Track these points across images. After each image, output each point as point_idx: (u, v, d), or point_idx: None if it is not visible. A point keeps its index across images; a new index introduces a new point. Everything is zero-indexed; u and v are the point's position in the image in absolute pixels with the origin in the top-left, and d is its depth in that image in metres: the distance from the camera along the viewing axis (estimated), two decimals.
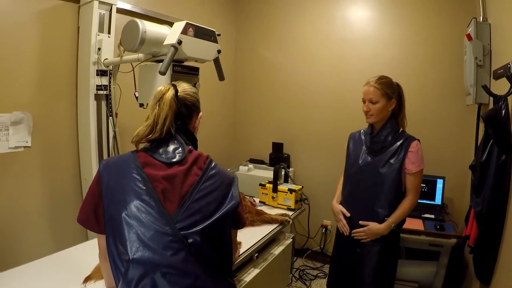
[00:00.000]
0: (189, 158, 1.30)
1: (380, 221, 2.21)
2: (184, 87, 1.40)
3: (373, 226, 2.20)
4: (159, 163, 1.26)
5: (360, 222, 2.26)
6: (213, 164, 1.33)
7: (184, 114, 1.38)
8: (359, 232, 2.25)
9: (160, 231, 1.16)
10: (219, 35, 2.18)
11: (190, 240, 1.18)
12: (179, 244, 1.16)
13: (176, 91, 1.35)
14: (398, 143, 2.20)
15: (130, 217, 1.16)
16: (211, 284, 1.24)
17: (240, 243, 1.98)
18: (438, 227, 2.93)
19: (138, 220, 1.16)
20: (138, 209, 1.17)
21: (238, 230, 1.48)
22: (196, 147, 1.43)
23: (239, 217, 1.36)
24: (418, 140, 2.22)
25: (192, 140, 1.42)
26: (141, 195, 1.18)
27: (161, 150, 1.29)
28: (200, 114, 1.48)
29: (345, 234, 2.33)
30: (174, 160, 1.27)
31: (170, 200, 1.21)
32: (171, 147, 1.30)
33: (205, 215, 1.22)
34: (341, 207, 2.39)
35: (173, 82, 1.41)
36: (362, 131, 2.44)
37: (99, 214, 1.23)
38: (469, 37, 2.68)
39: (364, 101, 2.24)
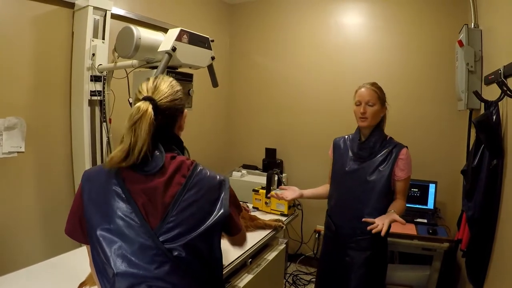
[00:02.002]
0: (170, 166, 1.21)
1: (369, 228, 2.03)
2: (163, 92, 1.25)
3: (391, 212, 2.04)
4: (139, 175, 1.19)
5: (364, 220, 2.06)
6: (198, 170, 1.24)
7: (166, 123, 1.27)
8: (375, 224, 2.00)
9: (143, 244, 1.12)
10: (212, 41, 2.19)
11: (175, 253, 1.13)
12: (163, 257, 1.13)
13: (155, 105, 1.20)
14: (387, 150, 2.20)
15: (112, 231, 1.13)
16: None
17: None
18: (430, 231, 2.95)
19: (121, 234, 1.13)
20: (120, 223, 1.13)
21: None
22: (182, 150, 1.34)
23: (232, 223, 1.30)
24: (407, 147, 2.22)
25: (176, 144, 1.32)
26: (122, 209, 1.14)
27: (140, 162, 1.18)
28: (185, 112, 1.37)
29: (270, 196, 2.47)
30: (154, 170, 1.19)
31: (152, 212, 1.16)
32: (151, 157, 1.20)
33: (190, 227, 1.16)
34: (297, 191, 2.49)
35: (148, 95, 1.23)
36: (346, 137, 2.42)
37: (84, 225, 1.19)
38: (460, 43, 2.71)
39: (359, 103, 2.20)
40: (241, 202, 2.56)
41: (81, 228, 1.21)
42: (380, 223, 1.93)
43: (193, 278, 1.18)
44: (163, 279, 1.12)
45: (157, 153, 1.22)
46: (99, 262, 1.15)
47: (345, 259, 2.28)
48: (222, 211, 1.21)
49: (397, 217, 1.98)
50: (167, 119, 1.27)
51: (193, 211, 1.17)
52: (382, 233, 1.89)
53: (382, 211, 2.15)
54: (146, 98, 1.21)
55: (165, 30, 2.15)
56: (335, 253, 2.34)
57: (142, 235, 1.13)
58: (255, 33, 4.47)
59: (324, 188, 2.53)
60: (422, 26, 3.54)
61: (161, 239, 1.13)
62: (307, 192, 2.52)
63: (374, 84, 2.22)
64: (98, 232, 1.14)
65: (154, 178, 1.19)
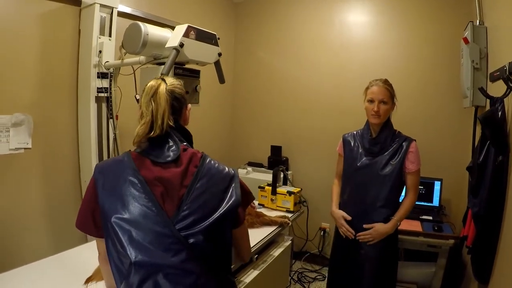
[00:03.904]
0: (184, 157, 1.26)
1: (384, 220, 2.24)
2: (170, 80, 1.35)
3: (379, 226, 2.23)
4: (155, 164, 1.23)
5: (365, 225, 2.27)
6: (207, 160, 1.29)
7: (176, 108, 1.34)
8: (365, 235, 2.26)
9: (160, 233, 1.14)
10: (218, 38, 2.20)
11: (190, 241, 1.16)
12: (179, 245, 1.15)
13: (167, 84, 1.31)
14: (397, 144, 2.24)
15: (129, 221, 1.14)
16: (212, 282, 1.24)
17: None
18: (436, 228, 2.95)
19: (137, 224, 1.14)
20: (137, 212, 1.15)
21: None
22: (191, 143, 1.39)
23: (237, 216, 1.32)
24: (415, 141, 2.27)
25: (186, 136, 1.37)
26: (139, 198, 1.16)
27: (155, 151, 1.25)
28: (189, 106, 1.43)
29: (350, 237, 2.32)
30: (169, 159, 1.23)
31: (169, 202, 1.19)
32: (165, 146, 1.26)
33: (204, 214, 1.19)
34: (341, 212, 2.39)
35: (160, 77, 1.36)
36: (355, 132, 2.45)
37: (97, 218, 1.20)
38: (466, 40, 2.71)
39: (372, 101, 2.23)
40: None
41: (93, 220, 1.21)
42: (371, 237, 2.25)
43: (207, 264, 1.21)
44: (178, 267, 1.14)
45: (171, 142, 1.27)
46: (114, 252, 1.16)
47: (359, 252, 2.32)
48: (234, 198, 1.26)
49: (386, 233, 2.24)
50: (176, 104, 1.34)
51: (206, 199, 1.21)
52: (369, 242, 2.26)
53: (394, 203, 2.26)
54: (158, 79, 1.33)
55: (171, 28, 2.16)
56: (348, 246, 2.37)
57: (158, 223, 1.15)
58: (260, 30, 4.47)
59: (338, 188, 2.54)
60: (427, 24, 3.54)
61: (177, 227, 1.16)
62: (336, 203, 2.50)
63: (386, 82, 2.25)
64: (114, 221, 1.15)
65: (170, 168, 1.23)
